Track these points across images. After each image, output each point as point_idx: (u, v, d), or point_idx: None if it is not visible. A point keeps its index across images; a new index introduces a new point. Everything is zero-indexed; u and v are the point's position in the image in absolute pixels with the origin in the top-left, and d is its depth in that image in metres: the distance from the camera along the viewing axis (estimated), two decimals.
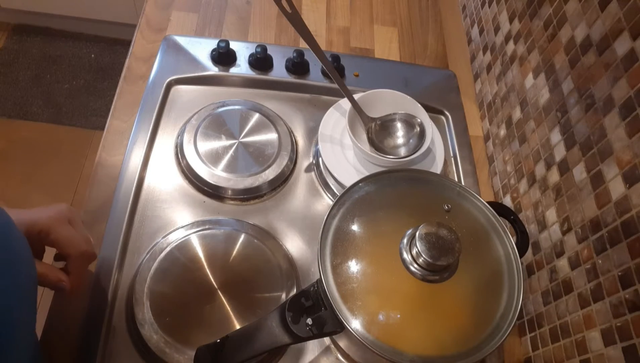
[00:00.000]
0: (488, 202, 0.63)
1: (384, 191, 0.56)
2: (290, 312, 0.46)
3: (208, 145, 0.69)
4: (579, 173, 0.55)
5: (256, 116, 0.73)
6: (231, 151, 0.69)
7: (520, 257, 0.60)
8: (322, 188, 0.71)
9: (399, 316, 0.54)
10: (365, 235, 0.58)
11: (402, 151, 0.68)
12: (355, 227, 0.57)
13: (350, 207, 0.54)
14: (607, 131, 0.51)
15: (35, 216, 0.46)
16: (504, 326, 0.48)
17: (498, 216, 0.54)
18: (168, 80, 0.75)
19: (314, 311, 0.46)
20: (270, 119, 0.73)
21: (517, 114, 0.71)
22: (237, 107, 0.74)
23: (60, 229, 0.47)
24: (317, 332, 0.45)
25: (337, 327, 0.45)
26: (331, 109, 0.73)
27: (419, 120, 0.68)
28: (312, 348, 0.58)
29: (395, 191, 0.57)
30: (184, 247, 0.60)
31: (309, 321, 0.46)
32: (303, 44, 0.87)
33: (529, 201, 0.65)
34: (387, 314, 0.53)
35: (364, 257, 0.56)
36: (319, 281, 0.47)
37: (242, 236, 0.62)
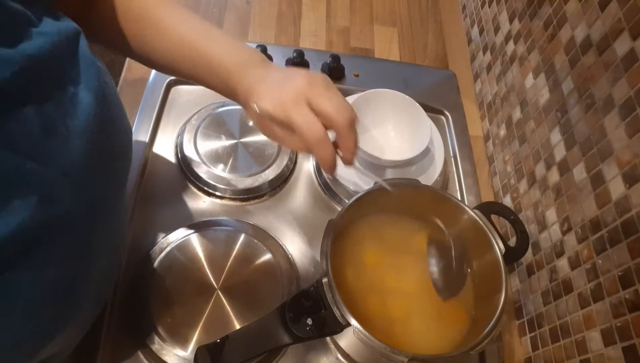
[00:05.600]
0: (488, 202, 0.63)
1: (386, 194, 0.56)
2: (290, 312, 0.46)
3: (208, 145, 0.69)
4: (579, 173, 0.55)
5: None
6: (231, 151, 0.69)
7: (521, 257, 0.60)
8: (322, 188, 0.71)
9: (398, 316, 0.54)
10: (367, 236, 0.58)
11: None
12: (356, 228, 0.58)
13: (353, 208, 0.54)
14: (607, 131, 0.51)
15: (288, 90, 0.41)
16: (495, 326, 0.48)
17: (489, 222, 0.55)
18: (168, 80, 0.75)
19: (314, 312, 0.46)
20: None
21: (517, 114, 0.71)
22: (237, 107, 0.73)
23: (320, 99, 0.41)
24: (317, 332, 0.45)
25: (337, 327, 0.46)
26: None
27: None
28: (312, 348, 0.58)
29: (397, 194, 0.57)
30: (184, 247, 0.60)
31: (309, 321, 0.46)
32: (303, 44, 0.87)
33: (529, 201, 0.65)
34: (387, 314, 0.53)
35: (364, 259, 0.56)
36: (319, 281, 0.47)
37: (242, 236, 0.62)
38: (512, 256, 0.57)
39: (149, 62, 0.49)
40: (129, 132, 0.45)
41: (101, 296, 0.47)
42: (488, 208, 0.58)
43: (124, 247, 0.51)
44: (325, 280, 0.47)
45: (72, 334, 0.40)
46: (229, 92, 0.46)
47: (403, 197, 0.58)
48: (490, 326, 0.47)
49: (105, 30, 0.47)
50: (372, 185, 0.56)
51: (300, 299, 0.47)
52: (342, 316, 0.45)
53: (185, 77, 0.49)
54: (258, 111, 0.42)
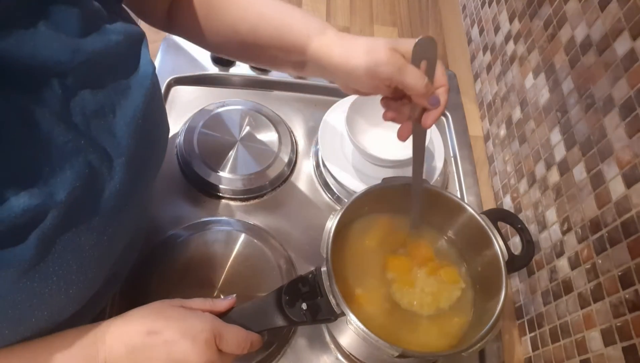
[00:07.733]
0: (496, 209, 0.62)
1: (390, 193, 0.56)
2: (287, 296, 0.47)
3: (208, 145, 0.69)
4: (579, 173, 0.55)
5: (256, 116, 0.73)
6: (231, 151, 0.69)
7: (524, 266, 0.59)
8: (322, 188, 0.71)
9: (394, 312, 0.54)
10: (368, 233, 0.58)
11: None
12: (358, 224, 0.58)
13: (357, 203, 0.54)
14: (607, 131, 0.51)
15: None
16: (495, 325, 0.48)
17: (495, 228, 0.54)
18: (168, 80, 0.75)
19: (309, 298, 0.47)
20: (270, 119, 0.73)
21: (517, 114, 0.71)
22: (237, 107, 0.74)
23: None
24: (311, 318, 0.46)
25: (331, 315, 0.46)
26: (331, 109, 0.73)
27: None
28: (312, 348, 0.58)
29: (398, 193, 0.57)
30: (184, 247, 0.60)
31: (304, 306, 0.46)
32: None
33: (529, 201, 0.65)
34: (383, 309, 0.54)
35: (364, 254, 0.56)
36: (318, 269, 0.48)
37: (242, 236, 0.62)
38: (515, 264, 0.56)
39: (227, 41, 0.51)
40: (167, 131, 0.48)
41: (116, 276, 0.49)
42: (495, 214, 0.58)
43: (143, 236, 0.54)
44: (324, 268, 0.47)
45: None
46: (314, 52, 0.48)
47: (408, 196, 0.58)
48: (484, 331, 0.47)
49: (183, 13, 0.50)
50: (372, 184, 0.56)
51: (297, 284, 0.47)
52: (337, 305, 0.46)
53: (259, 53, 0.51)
54: (384, 76, 0.44)
